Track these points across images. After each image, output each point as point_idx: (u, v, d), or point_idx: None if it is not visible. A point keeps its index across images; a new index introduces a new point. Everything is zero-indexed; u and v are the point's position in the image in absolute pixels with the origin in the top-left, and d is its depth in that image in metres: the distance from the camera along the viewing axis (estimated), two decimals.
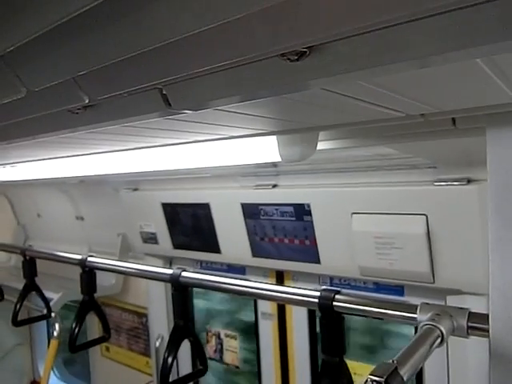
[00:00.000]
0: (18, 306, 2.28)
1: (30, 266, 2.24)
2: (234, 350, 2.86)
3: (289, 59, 0.38)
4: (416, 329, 0.99)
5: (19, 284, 2.35)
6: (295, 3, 0.30)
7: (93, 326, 3.34)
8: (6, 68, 0.44)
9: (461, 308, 0.98)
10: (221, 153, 1.62)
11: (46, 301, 2.46)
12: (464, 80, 0.59)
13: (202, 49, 0.38)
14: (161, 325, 2.99)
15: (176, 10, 0.34)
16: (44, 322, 3.83)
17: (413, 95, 0.65)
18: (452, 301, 1.73)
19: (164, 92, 0.51)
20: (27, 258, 2.24)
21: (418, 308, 1.01)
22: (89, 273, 1.89)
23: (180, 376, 1.81)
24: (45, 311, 2.51)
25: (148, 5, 0.34)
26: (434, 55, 0.36)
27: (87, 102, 0.50)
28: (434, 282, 1.74)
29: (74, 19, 0.35)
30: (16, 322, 2.32)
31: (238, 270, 2.57)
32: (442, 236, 1.67)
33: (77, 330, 1.89)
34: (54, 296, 2.88)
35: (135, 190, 2.77)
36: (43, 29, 0.37)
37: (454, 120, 0.96)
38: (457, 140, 1.10)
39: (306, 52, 0.38)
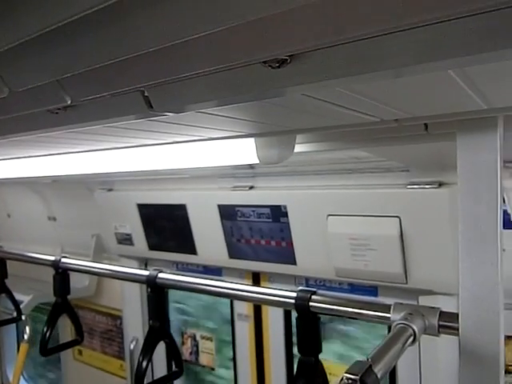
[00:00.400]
0: None
1: (0, 267, 2.18)
2: (209, 351, 2.86)
3: (270, 66, 0.39)
4: (389, 328, 1.02)
5: None
6: (277, 15, 0.31)
7: (65, 329, 3.27)
8: None
9: (432, 307, 1.01)
10: (199, 154, 1.61)
11: (16, 303, 2.39)
12: (436, 88, 0.61)
13: (187, 56, 0.39)
14: (135, 327, 2.96)
15: (160, 19, 0.35)
16: (13, 326, 3.73)
17: (388, 101, 0.67)
18: (424, 301, 1.78)
19: (146, 94, 0.51)
20: None
21: (392, 308, 1.04)
22: (62, 274, 1.85)
23: (155, 378, 1.80)
24: (15, 314, 2.44)
25: (133, 13, 0.35)
26: (408, 66, 0.38)
27: (69, 103, 0.50)
28: (406, 283, 1.78)
29: (60, 25, 0.35)
30: None
31: (214, 271, 2.57)
32: (414, 237, 1.71)
33: (48, 333, 1.85)
34: (24, 298, 2.81)
35: (110, 190, 2.73)
36: (29, 33, 0.36)
37: (426, 125, 0.99)
38: (429, 145, 1.14)
39: (287, 60, 0.39)
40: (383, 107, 0.69)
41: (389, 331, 0.98)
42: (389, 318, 1.03)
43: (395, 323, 0.96)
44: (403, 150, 1.28)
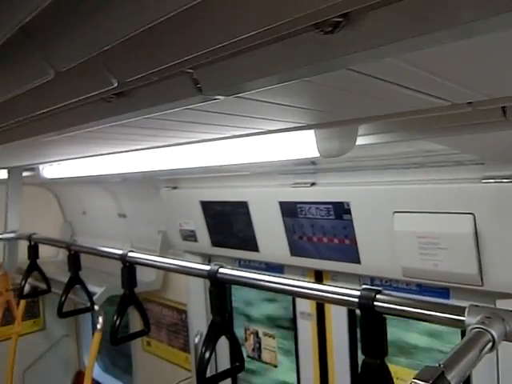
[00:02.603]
0: (62, 299, 2.36)
1: (74, 260, 2.32)
2: (272, 349, 2.84)
3: (323, 31, 0.36)
4: (464, 332, 0.93)
5: (65, 278, 2.45)
6: None
7: (135, 321, 3.43)
8: (32, 48, 0.44)
9: None
10: (259, 149, 1.61)
11: (89, 294, 2.54)
12: None
13: (225, 18, 0.37)
14: (200, 321, 3.02)
15: None
16: (90, 315, 3.97)
17: (459, 79, 0.60)
18: (502, 305, 1.63)
19: (194, 76, 0.50)
20: (72, 252, 2.32)
21: (467, 310, 0.95)
22: (129, 268, 1.93)
23: (218, 372, 1.82)
24: (88, 304, 2.59)
25: None
26: (483, 19, 0.32)
27: (116, 85, 0.50)
28: (482, 285, 1.65)
29: None
30: (61, 314, 2.41)
31: (276, 268, 2.55)
32: (490, 236, 1.58)
33: (117, 323, 1.93)
34: (97, 290, 2.98)
35: (175, 188, 2.81)
36: (66, 4, 0.36)
37: (504, 110, 0.89)
38: (507, 132, 1.03)
39: (341, 22, 0.35)
40: (453, 86, 0.62)
41: (462, 336, 0.90)
42: (463, 321, 0.95)
43: (470, 327, 0.87)
44: (478, 140, 1.17)
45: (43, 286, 2.94)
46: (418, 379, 0.66)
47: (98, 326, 2.90)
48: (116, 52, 0.43)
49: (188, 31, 0.40)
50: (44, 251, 2.94)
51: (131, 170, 2.11)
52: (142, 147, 1.37)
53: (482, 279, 1.63)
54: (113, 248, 2.08)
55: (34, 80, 0.51)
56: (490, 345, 0.82)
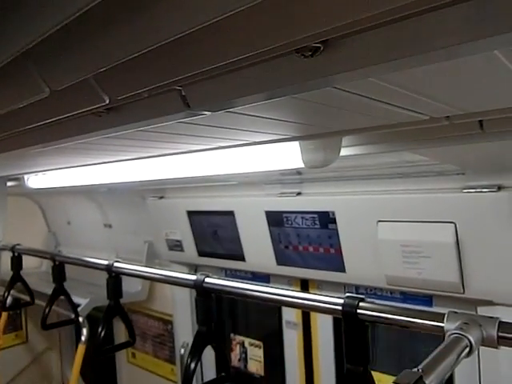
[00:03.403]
0: (46, 310, 2.33)
1: (59, 270, 2.30)
2: (258, 359, 2.84)
3: (303, 55, 0.38)
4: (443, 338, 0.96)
5: (49, 289, 2.41)
6: None
7: (119, 332, 3.39)
8: (30, 67, 0.46)
9: (490, 317, 0.94)
10: (245, 159, 1.63)
11: (74, 305, 2.51)
12: (491, 78, 0.57)
13: (214, 43, 0.39)
14: (186, 332, 3.01)
15: (190, 5, 0.35)
16: (72, 327, 3.91)
17: (436, 96, 0.64)
18: (483, 312, 1.67)
19: (183, 93, 0.52)
20: (56, 263, 2.29)
21: (446, 316, 0.98)
22: (115, 278, 1.92)
23: (203, 382, 1.81)
24: (73, 316, 2.56)
25: (161, 0, 0.35)
26: (456, 45, 0.35)
27: (108, 102, 0.52)
28: (463, 293, 1.68)
29: (89, 17, 0.36)
30: (45, 326, 2.38)
31: (262, 278, 2.57)
32: (471, 244, 1.62)
33: (102, 334, 1.92)
34: (82, 301, 2.94)
35: (161, 197, 2.81)
36: (61, 27, 0.38)
37: (481, 123, 0.93)
38: (485, 144, 1.07)
39: (320, 47, 0.37)
40: (431, 102, 0.65)
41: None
42: (442, 327, 0.97)
43: (449, 333, 0.90)
44: (457, 151, 1.22)
45: (26, 297, 2.90)
46: (398, 383, 0.68)
47: (83, 338, 2.87)
48: (109, 71, 0.45)
49: (179, 54, 0.42)
50: (27, 262, 2.90)
51: (117, 180, 2.11)
52: (130, 158, 1.38)
53: (463, 287, 1.67)
54: (98, 258, 2.06)
55: (29, 97, 0.53)
56: (467, 350, 0.85)
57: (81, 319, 2.69)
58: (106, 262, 1.94)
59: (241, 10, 0.31)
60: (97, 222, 3.53)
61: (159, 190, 2.78)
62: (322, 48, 0.38)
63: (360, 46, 0.37)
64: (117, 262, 1.93)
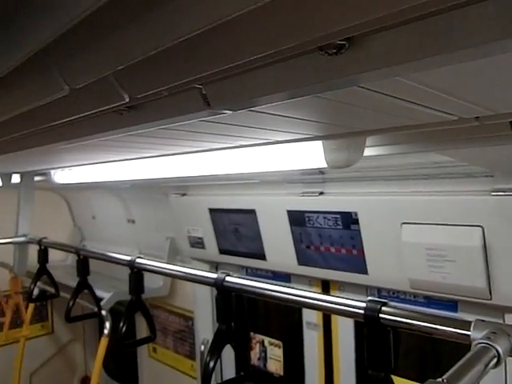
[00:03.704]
0: (70, 303, 2.38)
1: (83, 264, 2.34)
2: (278, 358, 2.83)
3: (327, 53, 0.37)
4: (469, 347, 0.93)
5: (73, 282, 2.47)
6: None
7: (141, 327, 3.44)
8: (50, 66, 0.46)
9: None
10: (268, 158, 1.62)
11: (97, 299, 2.55)
12: None
13: (236, 40, 0.38)
14: (206, 329, 3.02)
15: (210, 1, 0.34)
16: (96, 320, 3.99)
17: (465, 96, 0.61)
18: (511, 320, 1.62)
19: (203, 92, 0.51)
20: (81, 257, 2.34)
21: (472, 325, 0.95)
22: (137, 274, 1.94)
23: (223, 380, 1.81)
24: (96, 309, 2.61)
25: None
26: (492, 42, 0.33)
27: (128, 100, 0.52)
28: (491, 299, 1.63)
29: (108, 14, 0.35)
30: (69, 318, 2.43)
31: (283, 277, 2.55)
32: (499, 249, 1.56)
33: (124, 329, 1.94)
34: (105, 295, 2.99)
35: (184, 195, 2.83)
36: (79, 24, 0.38)
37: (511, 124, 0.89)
38: None
39: (344, 45, 0.36)
40: (461, 103, 0.63)
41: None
42: (469, 335, 0.94)
43: (476, 342, 0.87)
44: (486, 153, 1.17)
45: (52, 290, 2.97)
46: None
47: (105, 332, 2.91)
48: (128, 69, 0.45)
49: (199, 52, 0.41)
50: (53, 255, 2.97)
51: (140, 176, 2.13)
52: (152, 155, 1.39)
53: (490, 293, 1.62)
54: (121, 254, 2.09)
55: (49, 95, 0.53)
56: (494, 360, 0.82)
57: (104, 313, 2.74)
58: (128, 258, 1.97)
59: (263, 5, 0.30)
60: (120, 218, 3.59)
61: (182, 187, 2.79)
62: (346, 45, 0.36)
63: (386, 43, 0.35)
64: (139, 257, 1.95)
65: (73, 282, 2.52)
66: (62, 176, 2.63)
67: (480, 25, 0.34)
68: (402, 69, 0.38)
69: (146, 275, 2.01)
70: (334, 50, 0.37)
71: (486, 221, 1.57)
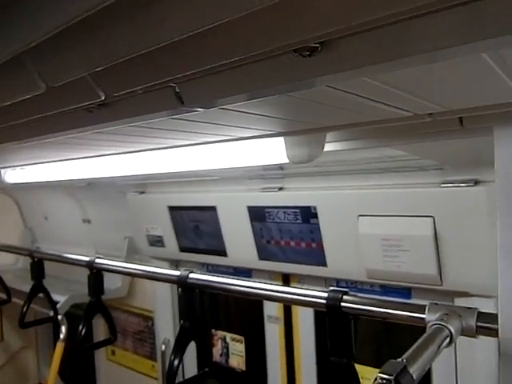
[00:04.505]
0: (24, 308, 2.29)
1: (38, 267, 2.26)
2: (240, 353, 2.86)
3: (301, 55, 0.39)
4: (425, 329, 0.99)
5: (25, 286, 2.37)
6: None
7: (99, 330, 3.35)
8: (27, 64, 0.45)
9: (469, 308, 0.98)
10: (229, 155, 1.63)
11: (53, 303, 2.47)
12: (472, 78, 0.59)
13: (215, 45, 0.39)
14: (167, 328, 3.00)
15: (188, 7, 0.35)
16: (49, 325, 3.84)
17: (420, 94, 0.65)
18: (460, 303, 1.72)
19: (177, 90, 0.52)
20: (35, 259, 2.25)
21: (427, 308, 1.01)
22: (96, 274, 1.90)
23: (185, 378, 1.82)
24: (51, 314, 2.52)
25: (160, 2, 0.35)
26: (444, 49, 0.37)
27: (103, 98, 0.52)
28: (441, 285, 1.73)
29: (90, 16, 0.36)
30: (23, 324, 2.33)
31: (244, 273, 2.58)
32: (449, 238, 1.66)
33: (83, 332, 1.90)
34: (60, 299, 2.90)
35: (142, 192, 2.78)
36: (61, 25, 0.38)
37: (461, 120, 0.96)
38: (464, 140, 1.10)
39: (317, 48, 0.38)
40: (416, 100, 0.67)
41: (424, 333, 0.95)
42: (423, 318, 1.01)
43: (430, 324, 0.93)
44: (437, 147, 1.25)
45: (3, 295, 2.84)
46: (383, 373, 0.71)
47: (61, 336, 2.82)
48: (105, 69, 0.45)
49: (176, 53, 0.42)
50: (2, 259, 2.84)
51: (98, 175, 2.08)
52: (114, 152, 1.36)
53: (441, 279, 1.72)
54: (79, 254, 2.04)
55: (25, 93, 0.52)
56: (448, 340, 0.88)
57: (60, 317, 2.65)
58: (87, 259, 1.92)
59: (239, 16, 0.32)
60: (75, 218, 3.47)
61: (140, 184, 2.75)
62: (319, 48, 0.39)
63: (355, 47, 0.38)
64: (98, 258, 1.91)
65: (25, 286, 2.42)
66: (12, 175, 2.51)
67: (432, 34, 0.37)
68: (368, 70, 0.41)
69: (104, 276, 1.97)
70: (308, 53, 0.39)
71: (437, 211, 1.66)
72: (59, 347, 2.82)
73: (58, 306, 2.67)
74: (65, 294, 2.95)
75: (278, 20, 0.34)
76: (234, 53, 0.39)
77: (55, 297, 2.76)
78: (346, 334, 1.19)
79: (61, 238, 3.70)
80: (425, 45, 0.37)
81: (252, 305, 2.67)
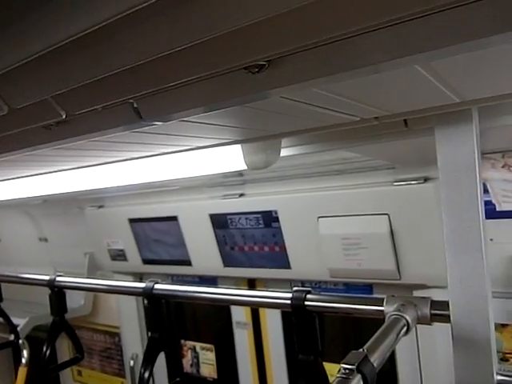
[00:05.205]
0: None
1: None
2: (210, 362, 2.85)
3: (251, 72, 0.43)
4: (384, 321, 1.04)
5: None
6: (255, 24, 0.35)
7: (62, 351, 3.25)
8: None
9: (423, 297, 1.04)
10: (188, 164, 1.64)
11: (14, 326, 2.37)
12: (410, 85, 0.65)
13: (173, 67, 0.42)
14: (134, 343, 2.95)
15: (144, 36, 0.38)
16: (8, 351, 3.67)
17: (365, 100, 0.71)
18: (418, 295, 1.81)
19: (135, 106, 0.54)
20: None
21: (385, 300, 1.07)
22: (58, 293, 1.85)
23: None
24: (11, 338, 2.42)
25: (119, 32, 0.38)
26: (382, 62, 0.41)
27: (64, 117, 0.53)
28: (400, 279, 1.81)
29: (54, 47, 0.37)
30: None
31: (209, 281, 2.58)
32: (404, 234, 1.75)
33: (48, 353, 1.84)
34: (20, 322, 2.79)
35: (101, 207, 2.74)
36: (27, 56, 0.39)
37: (406, 122, 1.03)
38: (410, 140, 1.18)
39: (265, 65, 0.42)
40: (362, 106, 0.73)
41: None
42: (382, 310, 1.06)
43: (388, 315, 0.99)
44: (386, 148, 1.32)
45: None
46: (346, 363, 0.75)
47: (23, 361, 2.72)
48: (67, 91, 0.46)
49: (135, 75, 0.44)
50: None
51: (54, 191, 2.03)
52: (68, 168, 1.35)
53: (399, 273, 1.80)
54: (38, 274, 1.98)
55: None
56: (405, 328, 0.94)
57: (21, 341, 2.55)
58: (47, 277, 1.87)
59: (196, 42, 0.35)
60: (30, 237, 3.35)
61: (98, 198, 2.70)
62: (267, 65, 0.42)
63: (301, 63, 0.42)
64: (59, 275, 1.86)
65: None
66: None
67: (375, 48, 0.42)
68: (315, 83, 0.45)
69: (65, 294, 1.92)
70: (257, 69, 0.43)
71: (391, 209, 1.74)
72: (22, 372, 2.71)
73: (18, 328, 2.57)
74: (25, 316, 2.84)
75: (230, 43, 0.37)
76: (190, 73, 0.42)
77: (15, 320, 2.65)
78: (312, 332, 1.23)
79: (16, 259, 3.55)
80: (366, 59, 0.41)
81: (220, 312, 2.68)
